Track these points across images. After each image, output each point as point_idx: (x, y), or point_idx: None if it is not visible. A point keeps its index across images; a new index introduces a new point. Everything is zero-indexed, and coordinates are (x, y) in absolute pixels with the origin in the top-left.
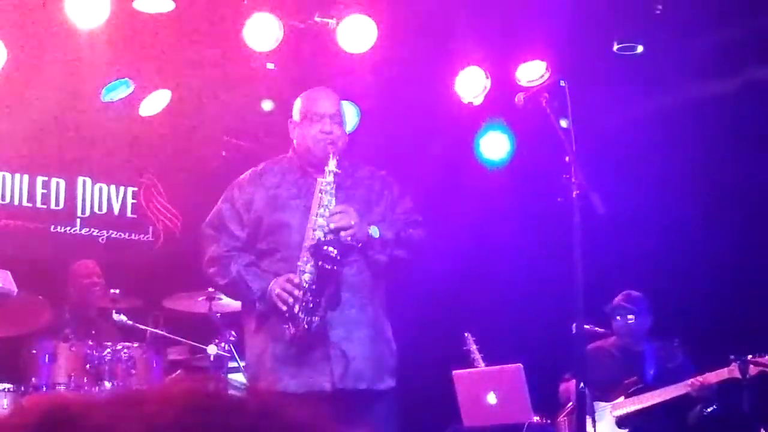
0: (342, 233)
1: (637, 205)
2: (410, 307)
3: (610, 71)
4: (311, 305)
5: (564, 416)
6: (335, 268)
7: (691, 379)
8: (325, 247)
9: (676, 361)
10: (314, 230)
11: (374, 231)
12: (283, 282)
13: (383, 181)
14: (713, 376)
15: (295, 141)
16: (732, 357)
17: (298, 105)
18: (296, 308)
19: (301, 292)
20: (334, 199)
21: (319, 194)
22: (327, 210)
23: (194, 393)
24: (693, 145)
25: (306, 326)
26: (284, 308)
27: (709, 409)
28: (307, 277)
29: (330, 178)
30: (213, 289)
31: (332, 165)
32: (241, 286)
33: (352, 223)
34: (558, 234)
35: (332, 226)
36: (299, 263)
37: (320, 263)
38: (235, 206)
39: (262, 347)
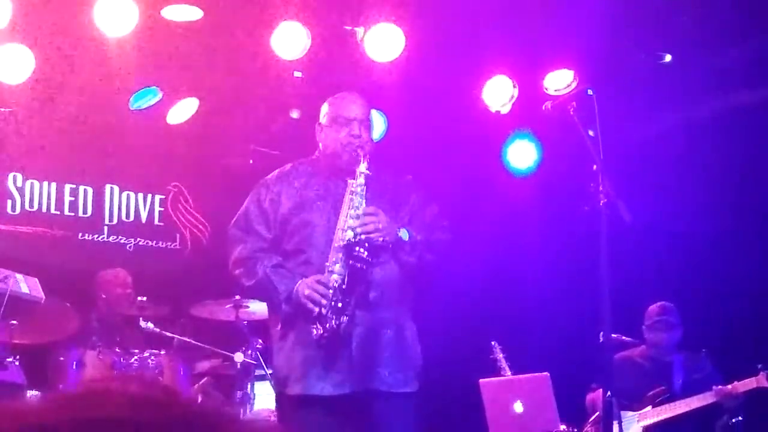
0: (373, 234)
1: (664, 214)
2: (437, 316)
3: (638, 80)
4: (340, 305)
5: (591, 426)
6: (365, 267)
7: (718, 387)
8: (357, 248)
9: (703, 371)
10: (344, 231)
11: (404, 233)
12: (312, 282)
13: (409, 186)
14: (740, 386)
15: (321, 144)
16: (760, 366)
17: (326, 108)
18: (325, 309)
19: (331, 292)
20: (364, 200)
21: (350, 195)
22: (357, 211)
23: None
24: (720, 155)
25: (335, 326)
26: (315, 309)
27: (734, 420)
28: (335, 277)
29: (361, 180)
30: (240, 296)
31: (363, 167)
32: (268, 287)
33: (381, 225)
34: (585, 243)
35: (361, 228)
36: (327, 264)
37: (351, 262)
38: (262, 206)
39: (290, 350)
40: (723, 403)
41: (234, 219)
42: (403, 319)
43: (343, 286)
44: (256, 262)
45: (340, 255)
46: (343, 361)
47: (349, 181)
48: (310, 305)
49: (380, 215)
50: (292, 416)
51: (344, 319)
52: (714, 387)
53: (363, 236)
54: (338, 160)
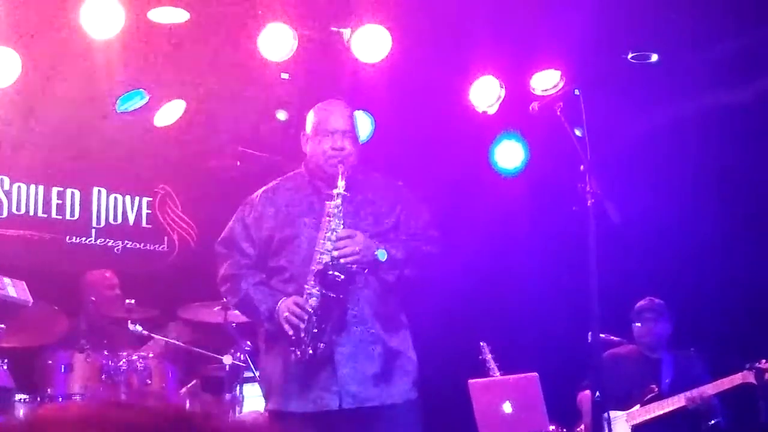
0: (349, 258)
1: (652, 214)
2: (425, 317)
3: (625, 80)
4: (316, 330)
5: (581, 426)
6: (340, 296)
7: (688, 392)
8: (331, 272)
9: (692, 370)
10: (321, 254)
11: (381, 254)
12: (291, 305)
13: (397, 193)
14: (710, 388)
15: (307, 154)
16: (747, 366)
17: (310, 118)
18: (302, 333)
19: (306, 317)
20: (341, 222)
21: (327, 218)
22: (334, 234)
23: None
24: (708, 154)
25: (311, 351)
26: (291, 332)
27: (712, 422)
28: (313, 301)
29: (338, 201)
30: (230, 304)
31: (341, 187)
32: (250, 305)
33: (358, 249)
34: (573, 243)
35: (337, 252)
36: (306, 286)
37: (325, 291)
38: (245, 223)
39: (272, 366)
40: (693, 407)
41: (220, 237)
42: (390, 332)
43: (319, 312)
44: (240, 279)
45: (317, 281)
46: (326, 380)
47: (327, 202)
48: (287, 327)
49: (357, 237)
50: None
51: (321, 345)
52: (685, 392)
53: (341, 260)
54: (321, 173)
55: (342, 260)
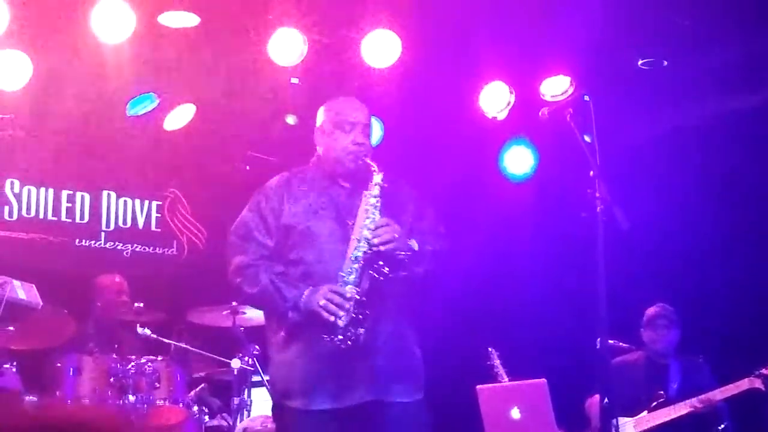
0: (390, 245)
1: (661, 220)
2: (434, 322)
3: (635, 86)
4: (361, 316)
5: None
6: (384, 280)
7: (694, 398)
8: (376, 260)
9: (700, 376)
10: (359, 241)
11: (414, 244)
12: (327, 292)
13: (407, 194)
14: (731, 389)
15: (320, 149)
16: (756, 372)
17: (325, 113)
18: (341, 321)
19: (349, 303)
20: (378, 212)
21: (366, 207)
22: (373, 222)
23: None
24: (717, 161)
25: (353, 337)
26: (331, 319)
27: (721, 427)
28: (350, 288)
29: (376, 191)
30: (237, 303)
31: (378, 178)
32: (274, 294)
33: (397, 236)
34: (582, 249)
35: (377, 240)
36: (342, 273)
37: (373, 273)
38: (262, 214)
39: (291, 361)
40: (700, 412)
41: (233, 227)
42: (405, 330)
43: (364, 299)
44: (258, 270)
45: (357, 266)
46: (348, 374)
47: (365, 192)
48: (325, 314)
49: (394, 226)
50: (293, 429)
51: (361, 330)
52: (692, 398)
53: (382, 248)
54: (340, 167)
55: (382, 247)
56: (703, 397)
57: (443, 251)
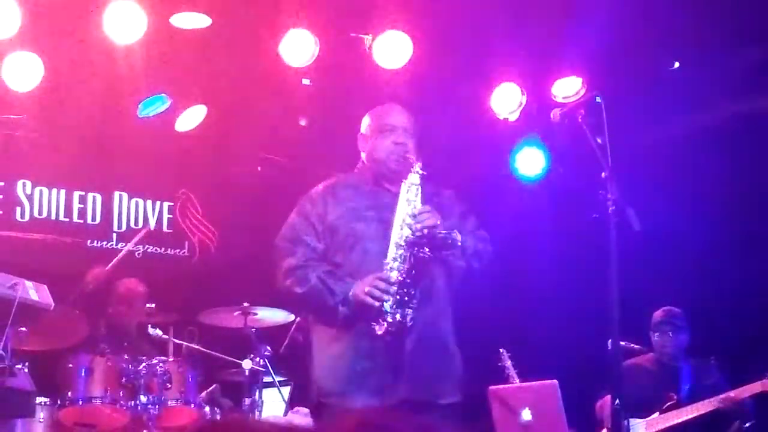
0: (429, 230)
1: (673, 221)
2: None
3: (647, 87)
4: (405, 297)
5: None
6: (427, 260)
7: (723, 395)
8: (418, 244)
9: (711, 378)
10: (402, 228)
11: (457, 235)
12: (371, 279)
13: (452, 199)
14: (745, 391)
15: (364, 154)
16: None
17: (369, 119)
18: (388, 304)
19: (393, 288)
20: (419, 199)
21: (406, 193)
22: (414, 208)
23: None
24: (729, 162)
25: (400, 319)
26: (376, 304)
27: (747, 425)
28: (395, 273)
29: (416, 179)
30: (290, 308)
31: (417, 167)
32: (323, 291)
33: (438, 222)
34: (594, 250)
35: (419, 225)
36: (386, 260)
37: (416, 250)
38: (309, 219)
39: (334, 359)
40: (728, 410)
41: (280, 232)
42: (448, 331)
43: (407, 280)
44: (307, 269)
45: (401, 251)
46: (394, 372)
47: (404, 180)
48: (370, 300)
49: (435, 213)
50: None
51: (409, 311)
52: (714, 398)
53: (425, 231)
54: (384, 168)
55: (425, 230)
56: (731, 393)
57: (487, 253)
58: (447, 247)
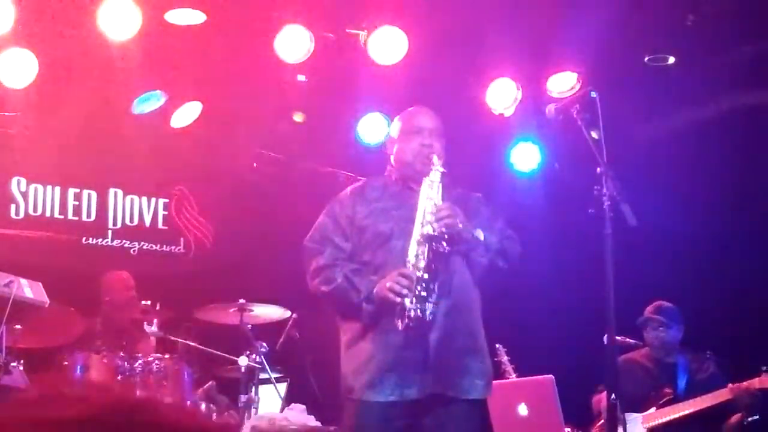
0: (449, 227)
1: (669, 216)
2: None
3: (642, 83)
4: (424, 293)
5: (597, 428)
6: (446, 256)
7: (732, 385)
8: (437, 240)
9: (707, 372)
10: (423, 225)
11: (479, 233)
12: (393, 276)
13: (478, 201)
14: (757, 382)
15: (392, 157)
16: (764, 368)
17: (397, 122)
18: (408, 300)
19: (415, 282)
20: (440, 196)
21: (427, 190)
22: (435, 206)
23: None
24: (724, 157)
25: (420, 314)
26: (397, 299)
27: (751, 418)
28: (414, 270)
29: (436, 176)
30: (324, 303)
31: (438, 164)
32: (348, 289)
33: (459, 218)
34: (589, 245)
35: (440, 220)
36: (408, 258)
37: (434, 245)
38: (337, 220)
39: (359, 354)
40: (738, 401)
41: (309, 234)
42: (477, 326)
43: (425, 275)
44: (334, 269)
45: (421, 248)
46: (418, 367)
47: (425, 178)
48: (392, 296)
49: (456, 209)
50: (359, 421)
51: (429, 305)
52: (729, 384)
53: (443, 228)
54: (411, 170)
55: (444, 228)
56: (737, 385)
57: (514, 252)
58: (466, 242)
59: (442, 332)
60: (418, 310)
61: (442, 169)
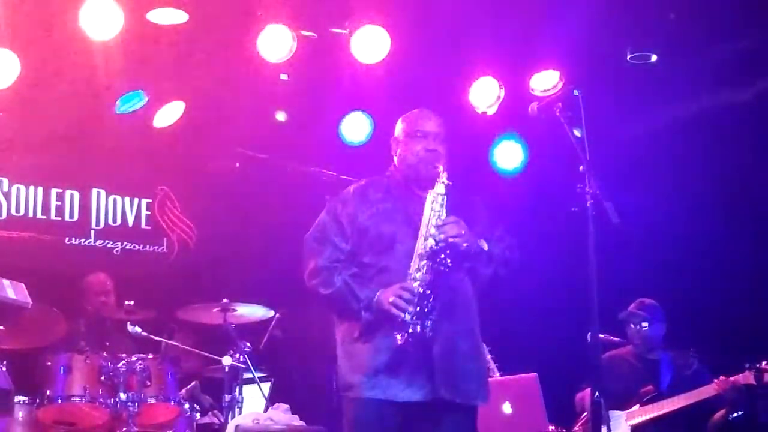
0: (456, 239)
1: (652, 214)
2: None
3: (624, 80)
4: (426, 309)
5: (580, 426)
6: (448, 273)
7: (717, 380)
8: (440, 255)
9: (691, 369)
10: (426, 239)
11: (483, 244)
12: (396, 289)
13: (480, 205)
14: (741, 378)
15: (396, 158)
16: (747, 365)
17: (401, 124)
18: (409, 315)
19: (416, 298)
20: (444, 210)
21: (431, 204)
22: (439, 219)
23: None
24: (707, 155)
25: (419, 331)
26: (400, 315)
27: (735, 414)
28: (417, 284)
29: (441, 189)
30: (321, 305)
31: (443, 177)
32: (347, 296)
33: (463, 232)
34: (572, 244)
35: (443, 236)
36: (410, 271)
37: (436, 265)
38: (338, 219)
39: (358, 353)
40: (724, 396)
41: (309, 232)
42: (476, 332)
43: (427, 291)
44: (333, 271)
45: (423, 262)
46: (420, 370)
47: (430, 191)
48: (394, 311)
49: (461, 223)
50: (357, 419)
51: (428, 323)
52: (716, 379)
53: (448, 248)
54: (414, 173)
55: (449, 239)
56: (724, 380)
57: (514, 260)
58: (470, 259)
59: (446, 338)
60: (418, 326)
61: (447, 182)
